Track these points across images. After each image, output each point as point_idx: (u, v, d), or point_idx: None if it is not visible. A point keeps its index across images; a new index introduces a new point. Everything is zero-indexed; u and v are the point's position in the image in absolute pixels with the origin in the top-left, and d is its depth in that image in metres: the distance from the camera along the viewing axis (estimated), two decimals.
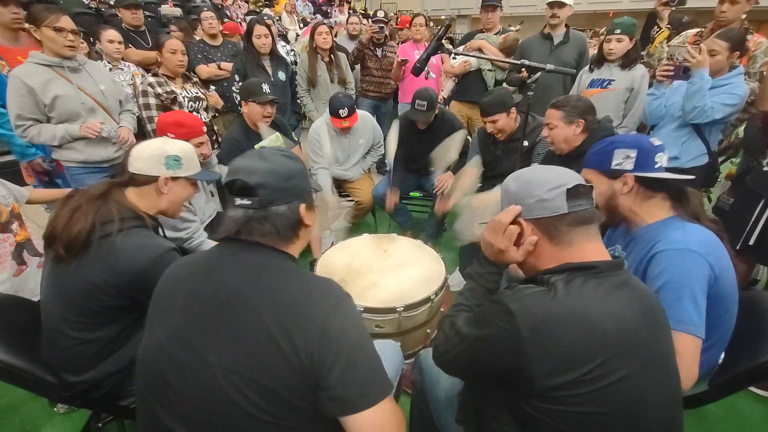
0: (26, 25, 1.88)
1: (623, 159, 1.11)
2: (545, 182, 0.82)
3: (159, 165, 1.20)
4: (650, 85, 2.36)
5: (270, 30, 2.93)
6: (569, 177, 0.82)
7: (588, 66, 2.62)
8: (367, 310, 1.54)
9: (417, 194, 2.83)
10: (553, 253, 0.82)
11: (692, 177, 1.10)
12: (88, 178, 2.09)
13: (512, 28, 3.29)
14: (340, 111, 2.40)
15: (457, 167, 2.64)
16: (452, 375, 0.95)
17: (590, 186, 0.83)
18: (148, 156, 1.20)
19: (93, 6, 4.65)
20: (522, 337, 0.69)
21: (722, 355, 1.16)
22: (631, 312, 0.73)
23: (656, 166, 1.09)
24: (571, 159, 1.73)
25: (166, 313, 0.78)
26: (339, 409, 0.70)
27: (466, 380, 0.94)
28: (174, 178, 1.24)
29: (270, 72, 2.96)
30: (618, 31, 2.39)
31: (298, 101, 3.35)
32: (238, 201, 0.79)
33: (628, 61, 2.42)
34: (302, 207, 0.84)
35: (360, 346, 0.74)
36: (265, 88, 2.22)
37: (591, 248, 0.81)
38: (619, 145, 1.11)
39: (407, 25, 4.68)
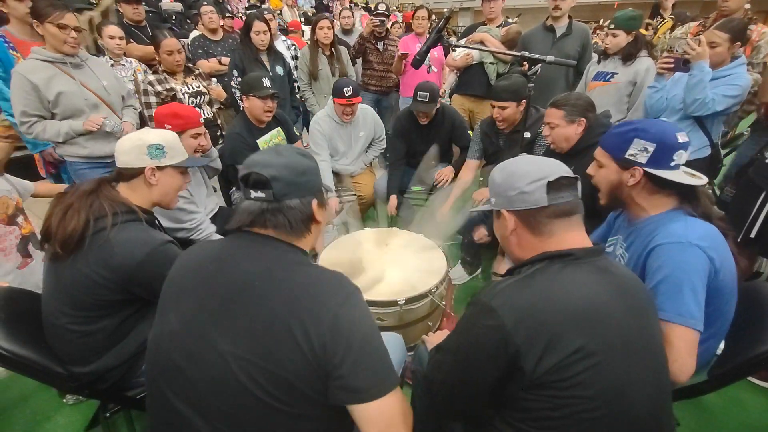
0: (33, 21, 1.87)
1: (639, 151, 1.06)
2: (526, 175, 0.83)
3: (142, 156, 1.20)
4: None
5: (269, 26, 2.92)
6: (552, 169, 0.83)
7: (596, 58, 2.60)
8: (369, 303, 1.53)
9: (418, 188, 2.83)
10: (535, 243, 0.84)
11: (704, 181, 1.06)
12: (92, 173, 2.10)
13: (510, 21, 3.26)
14: (345, 90, 2.40)
15: (458, 162, 2.65)
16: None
17: (574, 178, 0.84)
18: (130, 148, 1.20)
19: (94, 2, 4.63)
20: (508, 329, 0.70)
21: (721, 346, 1.16)
22: (607, 295, 0.75)
23: (672, 164, 1.05)
24: (570, 156, 1.72)
25: (178, 302, 0.80)
26: (350, 398, 0.72)
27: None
28: (160, 168, 1.24)
29: (268, 66, 2.96)
30: (612, 26, 2.38)
31: (298, 96, 3.35)
32: (253, 194, 0.81)
33: (626, 55, 2.39)
34: (314, 202, 0.86)
35: (371, 338, 0.76)
36: (266, 82, 2.22)
37: (572, 238, 0.82)
38: (641, 135, 1.06)
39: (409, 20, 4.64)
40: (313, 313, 0.72)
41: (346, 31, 3.96)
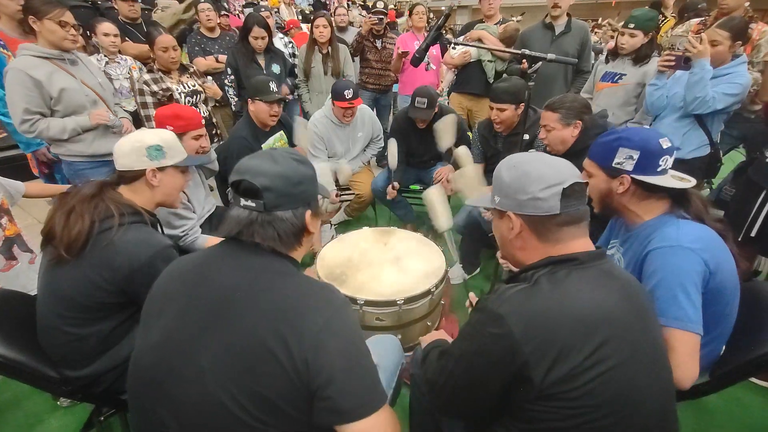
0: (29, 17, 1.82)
1: (624, 159, 1.07)
2: (541, 179, 0.78)
3: (142, 157, 1.19)
4: None
5: (269, 31, 2.89)
6: (566, 174, 0.79)
7: (604, 57, 2.58)
8: (368, 303, 1.54)
9: (416, 187, 2.82)
10: (539, 248, 0.81)
11: (692, 183, 1.07)
12: (93, 173, 2.07)
13: (513, 19, 3.24)
14: (345, 92, 2.38)
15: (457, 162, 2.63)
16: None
17: (585, 183, 0.82)
18: (129, 150, 1.18)
19: None
20: (516, 337, 0.68)
21: (723, 348, 1.16)
22: (615, 300, 0.74)
23: (659, 169, 1.06)
24: (566, 158, 1.70)
25: (160, 315, 0.76)
26: (335, 419, 0.69)
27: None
28: (161, 169, 1.22)
29: (263, 66, 2.95)
30: (632, 25, 2.31)
31: (296, 92, 3.33)
32: (243, 202, 0.77)
33: (639, 56, 2.35)
34: (308, 214, 0.82)
35: (358, 355, 0.73)
36: (273, 86, 2.19)
37: (578, 245, 0.80)
38: (624, 144, 1.07)
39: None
40: (296, 329, 0.68)
41: (341, 29, 3.93)
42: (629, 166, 1.07)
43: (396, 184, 2.53)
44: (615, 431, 0.70)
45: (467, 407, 0.83)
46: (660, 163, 1.06)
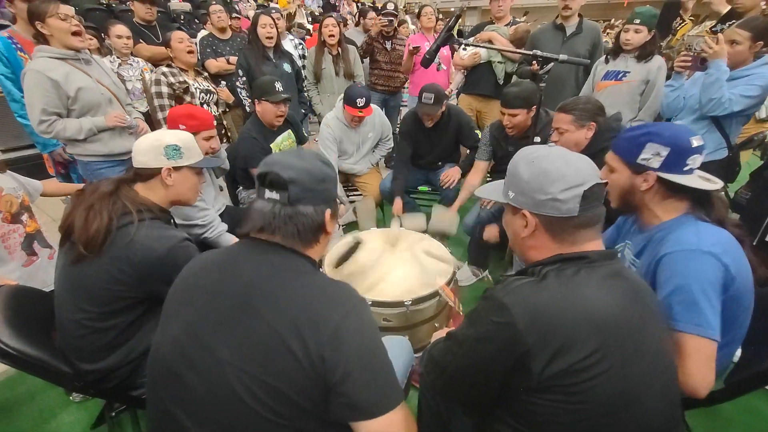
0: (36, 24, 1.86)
1: (652, 155, 1.03)
2: (561, 179, 0.76)
3: (159, 156, 1.21)
4: (668, 78, 2.28)
5: (275, 22, 2.92)
6: (587, 174, 0.77)
7: (603, 57, 2.55)
8: (375, 303, 1.54)
9: (425, 188, 2.82)
10: (551, 247, 0.81)
11: (719, 185, 1.02)
12: (109, 172, 2.09)
13: (518, 20, 3.22)
14: (358, 100, 2.39)
15: (465, 163, 2.62)
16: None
17: (604, 183, 0.80)
18: (147, 148, 1.20)
19: (104, 2, 4.69)
20: (519, 327, 0.68)
21: (738, 353, 1.13)
22: (621, 301, 0.73)
23: (686, 168, 1.02)
24: None
25: (181, 309, 0.78)
26: (352, 415, 0.70)
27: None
28: (176, 168, 1.24)
29: (274, 63, 2.96)
30: (637, 21, 2.28)
31: (306, 94, 3.35)
32: (268, 194, 0.79)
33: (644, 53, 2.33)
34: (327, 212, 0.84)
35: (374, 352, 0.73)
36: (278, 86, 2.21)
37: (590, 246, 0.79)
38: (654, 139, 1.02)
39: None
40: (312, 325, 0.69)
41: (369, 32, 3.90)
42: (656, 163, 1.02)
43: (399, 199, 2.52)
44: (615, 431, 0.69)
45: (467, 390, 0.83)
46: (688, 162, 1.01)
